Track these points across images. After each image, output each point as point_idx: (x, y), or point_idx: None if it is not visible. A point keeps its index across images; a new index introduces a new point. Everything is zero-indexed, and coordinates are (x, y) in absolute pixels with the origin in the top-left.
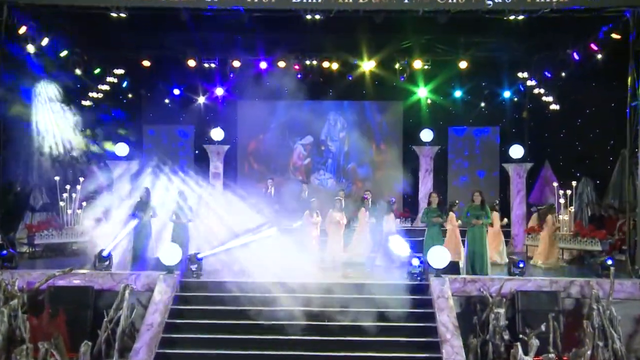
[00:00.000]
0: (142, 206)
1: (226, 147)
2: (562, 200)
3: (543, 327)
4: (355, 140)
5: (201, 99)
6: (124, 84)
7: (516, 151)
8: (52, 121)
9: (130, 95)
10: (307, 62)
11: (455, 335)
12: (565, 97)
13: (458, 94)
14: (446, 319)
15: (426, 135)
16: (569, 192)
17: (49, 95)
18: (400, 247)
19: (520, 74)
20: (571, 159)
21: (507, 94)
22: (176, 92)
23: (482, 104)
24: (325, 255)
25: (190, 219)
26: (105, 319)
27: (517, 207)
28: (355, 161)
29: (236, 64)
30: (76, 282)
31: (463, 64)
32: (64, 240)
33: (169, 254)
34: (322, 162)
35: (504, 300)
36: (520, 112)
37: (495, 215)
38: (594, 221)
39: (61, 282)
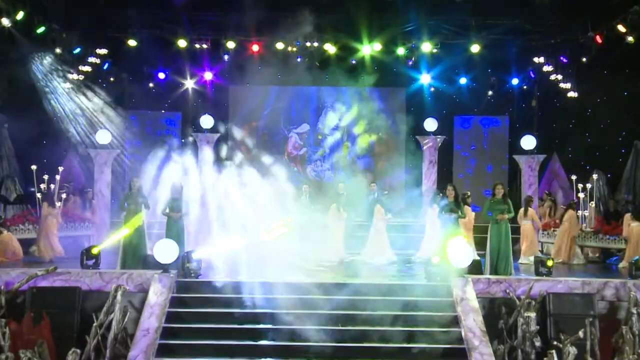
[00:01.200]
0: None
1: (216, 136)
2: (581, 195)
3: (581, 334)
4: (355, 129)
5: (189, 83)
6: (105, 66)
7: (528, 142)
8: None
9: (112, 79)
10: (306, 44)
11: (484, 342)
12: (584, 84)
13: (463, 80)
14: (472, 323)
15: (430, 124)
16: (588, 186)
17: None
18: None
19: (536, 59)
20: (581, 151)
21: (515, 81)
22: (161, 75)
23: (490, 92)
24: (329, 254)
25: (185, 213)
26: (95, 324)
27: None
28: (354, 152)
29: (231, 44)
30: (61, 282)
31: (475, 48)
32: None
33: (165, 250)
34: (319, 152)
35: (533, 303)
36: (530, 100)
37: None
38: (609, 217)
39: (43, 283)
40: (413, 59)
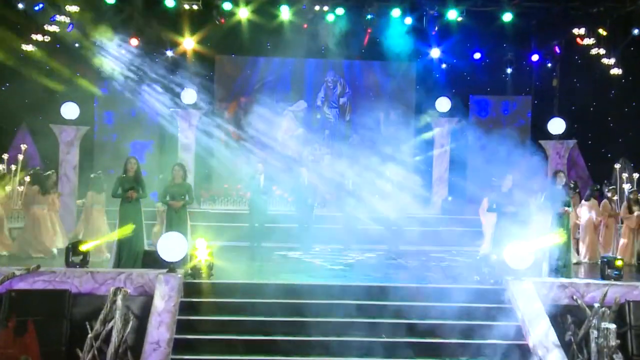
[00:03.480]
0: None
1: (200, 113)
2: (626, 186)
3: None
4: (359, 107)
5: (168, 53)
6: (69, 28)
7: (556, 126)
8: None
9: (77, 45)
10: (303, 9)
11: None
12: (630, 59)
13: (477, 55)
14: (542, 336)
15: (443, 104)
16: (635, 175)
17: None
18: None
19: (576, 30)
20: (602, 138)
21: (535, 58)
22: (134, 42)
23: (509, 70)
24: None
25: (188, 201)
26: (90, 335)
27: None
28: (358, 133)
29: (227, 5)
30: (43, 284)
31: (507, 17)
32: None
33: (171, 246)
34: (317, 133)
35: (607, 312)
36: (551, 80)
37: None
38: None
39: (21, 285)
40: (437, 27)
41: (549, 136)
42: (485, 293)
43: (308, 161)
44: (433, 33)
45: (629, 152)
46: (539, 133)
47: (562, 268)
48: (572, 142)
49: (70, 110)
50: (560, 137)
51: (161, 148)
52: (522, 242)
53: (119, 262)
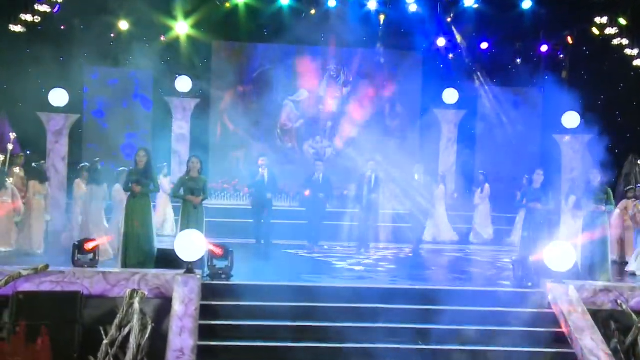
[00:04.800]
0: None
1: (195, 101)
2: None
3: None
4: (363, 98)
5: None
6: (56, 9)
7: (570, 119)
8: None
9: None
10: None
11: None
12: None
13: (485, 45)
14: (591, 343)
15: (450, 95)
16: None
17: None
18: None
19: (598, 19)
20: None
21: (544, 48)
22: (124, 26)
23: (518, 60)
24: None
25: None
26: (105, 341)
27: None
28: (361, 125)
29: None
30: (50, 285)
31: (527, 4)
32: None
33: (189, 244)
34: (319, 125)
35: None
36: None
37: None
38: None
39: (26, 286)
40: (452, 14)
41: (562, 130)
42: (523, 297)
43: (309, 155)
44: (448, 20)
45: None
46: (550, 127)
47: (600, 270)
48: (587, 137)
49: (58, 97)
50: (574, 131)
51: (154, 138)
52: (562, 242)
53: (125, 262)
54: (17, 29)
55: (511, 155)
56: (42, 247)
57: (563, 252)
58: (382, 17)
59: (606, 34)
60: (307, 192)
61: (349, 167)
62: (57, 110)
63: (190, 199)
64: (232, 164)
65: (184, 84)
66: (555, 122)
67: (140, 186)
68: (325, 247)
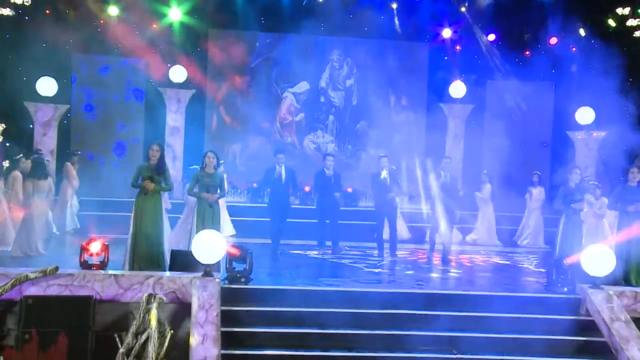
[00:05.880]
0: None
1: (190, 93)
2: None
3: None
4: (367, 91)
5: (154, 26)
6: None
7: (585, 115)
8: None
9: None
10: None
11: None
12: None
13: (492, 37)
14: (639, 354)
15: (457, 89)
16: None
17: None
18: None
19: (619, 10)
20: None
21: (553, 40)
22: (114, 11)
23: (527, 52)
24: None
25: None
26: (121, 350)
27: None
28: (366, 119)
29: None
30: (58, 288)
31: None
32: None
33: (206, 246)
34: (321, 118)
35: None
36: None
37: None
38: None
39: (33, 290)
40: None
41: (576, 126)
42: (560, 303)
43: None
44: (462, 9)
45: None
46: (563, 123)
47: (637, 273)
48: (602, 134)
49: (47, 86)
50: (588, 127)
51: (146, 132)
52: (601, 245)
53: (132, 264)
54: (6, 11)
55: (521, 152)
56: (41, 248)
57: (602, 256)
58: (394, 6)
59: (627, 26)
60: (307, 188)
61: (351, 164)
62: (45, 100)
63: (205, 196)
64: (229, 159)
65: (178, 74)
66: (567, 117)
67: (154, 183)
68: (346, 248)
